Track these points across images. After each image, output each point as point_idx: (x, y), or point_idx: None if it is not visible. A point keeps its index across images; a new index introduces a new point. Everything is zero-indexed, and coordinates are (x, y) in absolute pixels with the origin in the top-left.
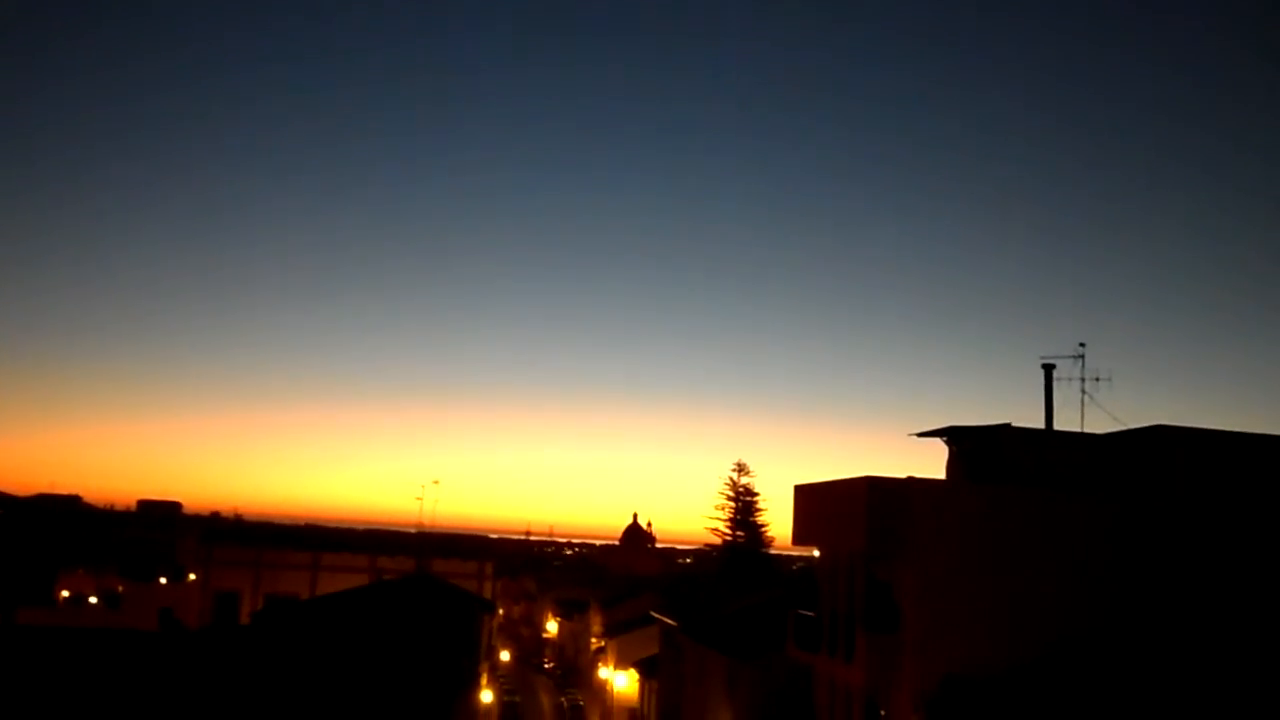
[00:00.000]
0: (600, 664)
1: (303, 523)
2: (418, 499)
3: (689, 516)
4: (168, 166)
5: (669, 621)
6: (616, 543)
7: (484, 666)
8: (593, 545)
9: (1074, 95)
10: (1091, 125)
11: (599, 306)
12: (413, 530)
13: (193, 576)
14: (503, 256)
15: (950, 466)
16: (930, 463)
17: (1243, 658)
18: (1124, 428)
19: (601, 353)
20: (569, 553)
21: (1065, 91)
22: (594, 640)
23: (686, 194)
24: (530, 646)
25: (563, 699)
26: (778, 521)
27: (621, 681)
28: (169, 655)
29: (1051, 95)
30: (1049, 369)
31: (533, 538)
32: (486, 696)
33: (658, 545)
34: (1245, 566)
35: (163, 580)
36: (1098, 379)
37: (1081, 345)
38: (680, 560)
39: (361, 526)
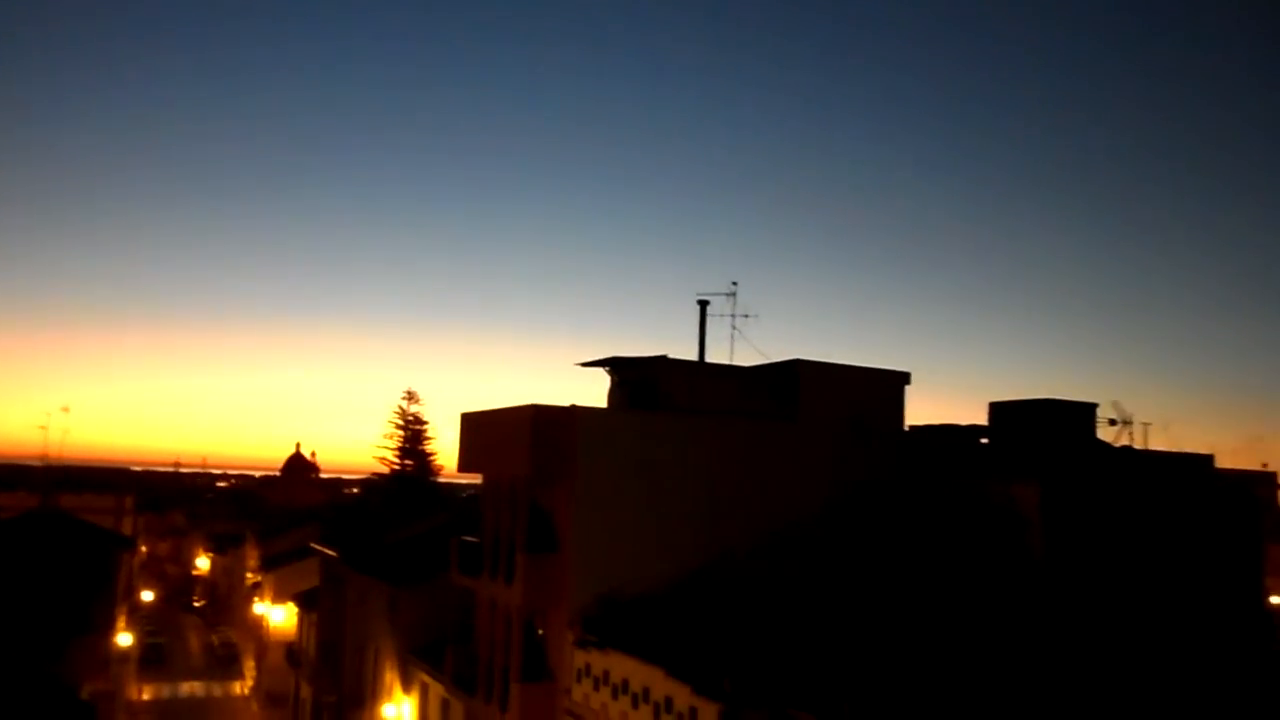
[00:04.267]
0: (256, 599)
1: None
2: (42, 428)
3: (357, 447)
4: None
5: (330, 552)
6: (277, 474)
7: (122, 608)
8: (251, 477)
9: (729, 45)
10: (745, 79)
11: (255, 225)
12: (37, 463)
13: None
14: (148, 173)
15: (612, 395)
16: (595, 391)
17: (862, 561)
18: (767, 361)
19: (262, 278)
20: (223, 485)
21: (720, 41)
22: (250, 575)
23: (354, 116)
24: (178, 585)
25: (213, 637)
26: (447, 450)
27: (279, 616)
28: None
29: (710, 45)
30: (704, 305)
31: (183, 470)
32: (125, 639)
33: (322, 476)
34: (860, 478)
35: None
36: (747, 315)
37: (734, 284)
38: (347, 490)
39: None
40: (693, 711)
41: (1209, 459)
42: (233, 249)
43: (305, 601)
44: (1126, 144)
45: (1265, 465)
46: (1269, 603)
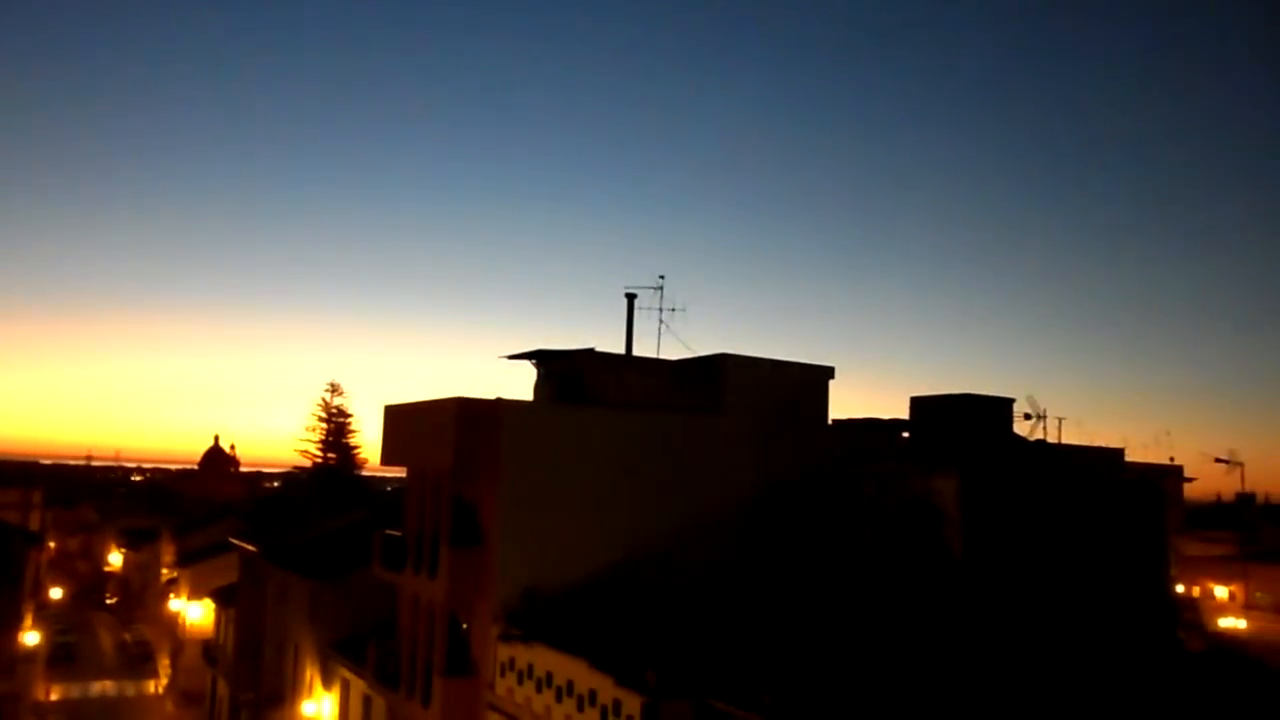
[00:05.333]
0: (172, 596)
1: None
2: None
3: (278, 440)
4: None
5: (249, 548)
6: (195, 467)
7: (29, 605)
8: (168, 470)
9: (655, 41)
10: (672, 75)
11: (171, 213)
12: None
13: None
14: (54, 154)
15: (538, 388)
16: (522, 384)
17: (786, 552)
18: (694, 354)
19: (182, 267)
20: (138, 479)
21: (646, 38)
22: (165, 571)
23: (278, 104)
24: (89, 581)
25: (126, 635)
26: (371, 443)
27: (196, 613)
28: None
29: (637, 40)
30: (631, 298)
31: (95, 463)
32: (32, 638)
33: (242, 469)
34: (784, 471)
35: None
36: (674, 309)
37: (661, 278)
38: (267, 484)
39: None
40: (616, 704)
41: (1119, 452)
42: (149, 238)
43: (223, 598)
44: (1040, 147)
45: (1172, 459)
46: (1173, 590)
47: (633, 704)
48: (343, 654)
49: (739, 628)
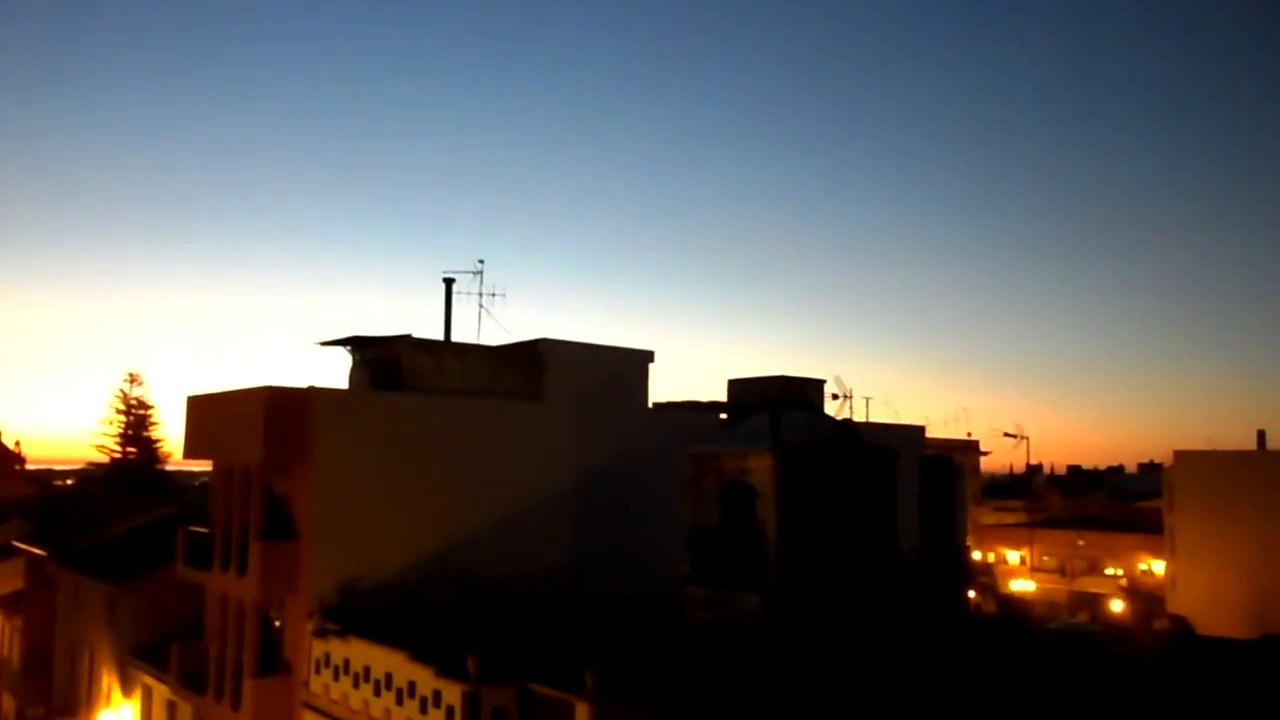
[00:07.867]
0: None
1: None
2: None
3: (71, 436)
4: None
5: (37, 551)
6: None
7: None
8: None
9: (474, 19)
10: (490, 54)
11: None
12: None
13: None
14: None
15: (353, 375)
16: (338, 373)
17: (611, 535)
18: (515, 339)
19: None
20: None
21: (466, 15)
22: None
23: (89, 64)
24: None
25: None
26: (176, 436)
27: None
28: None
29: (455, 18)
30: (449, 283)
31: None
32: None
33: (29, 467)
34: (605, 455)
35: None
36: (494, 294)
37: (480, 262)
38: (59, 483)
39: None
40: (436, 695)
41: (921, 429)
42: None
43: (7, 606)
44: (848, 132)
45: (970, 434)
46: (967, 557)
47: (453, 694)
48: (144, 659)
49: (562, 614)
